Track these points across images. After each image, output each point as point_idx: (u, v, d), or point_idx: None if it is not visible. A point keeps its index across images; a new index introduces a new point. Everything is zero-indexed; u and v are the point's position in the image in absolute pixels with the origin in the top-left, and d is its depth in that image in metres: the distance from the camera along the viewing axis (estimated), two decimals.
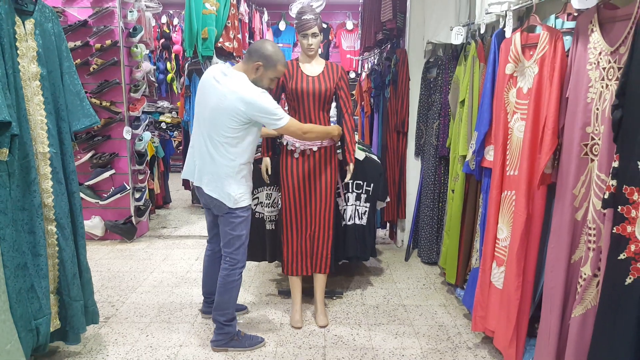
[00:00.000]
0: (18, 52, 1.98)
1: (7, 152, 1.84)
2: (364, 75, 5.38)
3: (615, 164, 1.59)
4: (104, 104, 4.08)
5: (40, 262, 2.03)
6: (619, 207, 1.54)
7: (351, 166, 2.74)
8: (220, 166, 2.34)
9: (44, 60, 2.09)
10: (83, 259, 2.29)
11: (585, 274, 1.80)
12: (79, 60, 4.01)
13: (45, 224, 2.09)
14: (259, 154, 3.10)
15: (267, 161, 2.80)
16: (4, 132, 1.81)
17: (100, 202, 4.17)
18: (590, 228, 1.80)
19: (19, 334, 1.92)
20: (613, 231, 1.56)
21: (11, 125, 1.81)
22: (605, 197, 1.62)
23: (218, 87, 2.31)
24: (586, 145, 1.87)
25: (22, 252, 1.97)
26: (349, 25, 7.77)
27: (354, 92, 5.59)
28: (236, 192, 2.36)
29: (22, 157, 1.96)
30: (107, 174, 4.15)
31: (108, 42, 4.05)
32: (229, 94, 2.26)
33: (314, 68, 2.68)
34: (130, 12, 4.17)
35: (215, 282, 2.60)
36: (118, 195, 4.19)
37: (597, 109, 1.81)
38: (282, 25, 7.69)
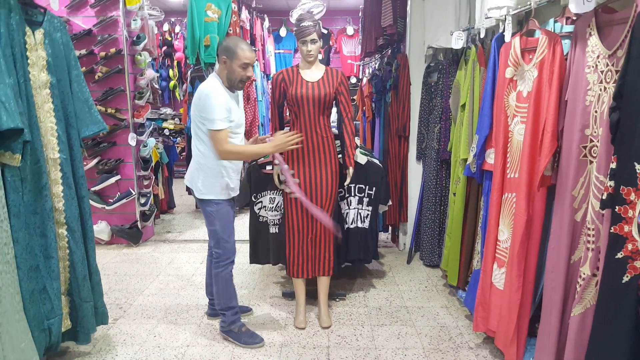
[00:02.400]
0: (29, 61, 2.04)
1: (20, 157, 1.89)
2: (365, 80, 5.43)
3: (613, 165, 1.63)
4: (109, 111, 4.14)
5: (51, 264, 2.08)
6: (617, 207, 1.58)
7: (351, 170, 2.79)
8: (195, 161, 2.58)
9: (53, 68, 2.15)
10: (92, 261, 2.34)
11: (584, 274, 1.83)
12: (84, 68, 4.06)
13: (56, 227, 2.14)
14: (263, 159, 3.15)
15: (277, 169, 2.86)
16: (16, 138, 1.86)
17: (107, 207, 4.22)
18: (589, 229, 1.84)
19: (33, 334, 1.97)
20: (611, 231, 1.60)
21: (23, 132, 1.86)
22: (604, 197, 1.66)
23: None
24: (585, 147, 1.91)
25: (35, 254, 2.02)
26: (350, 30, 7.83)
27: (355, 97, 5.65)
28: (202, 183, 2.53)
29: (34, 162, 2.01)
30: (113, 180, 4.20)
31: (112, 50, 4.11)
32: (196, 94, 2.49)
33: (313, 74, 2.74)
34: (134, 20, 4.22)
35: None
36: (124, 201, 4.24)
37: (596, 111, 1.85)
38: (282, 32, 7.76)
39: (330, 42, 7.85)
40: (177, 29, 7.61)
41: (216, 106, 2.36)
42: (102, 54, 4.12)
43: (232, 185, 2.60)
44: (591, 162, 1.89)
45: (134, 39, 4.27)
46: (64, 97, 2.20)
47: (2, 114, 1.77)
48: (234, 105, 2.50)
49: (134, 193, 4.28)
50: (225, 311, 2.63)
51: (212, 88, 2.41)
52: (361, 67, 6.77)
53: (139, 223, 4.35)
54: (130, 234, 4.28)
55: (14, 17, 1.94)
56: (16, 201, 1.92)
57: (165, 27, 7.55)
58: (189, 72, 5.28)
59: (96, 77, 4.12)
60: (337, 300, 3.16)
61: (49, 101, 2.11)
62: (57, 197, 2.15)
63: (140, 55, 4.30)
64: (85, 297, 2.26)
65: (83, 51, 4.10)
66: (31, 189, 2.00)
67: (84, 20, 4.16)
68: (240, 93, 2.63)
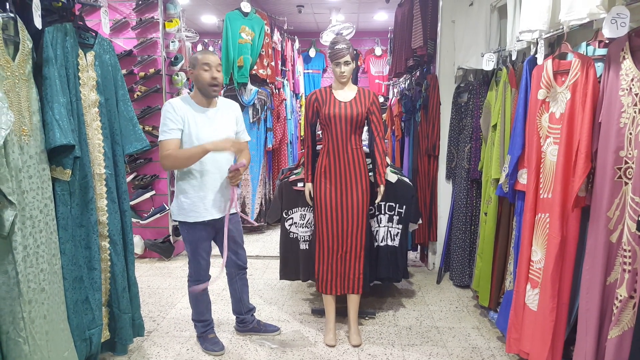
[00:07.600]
0: (80, 81, 2.17)
1: (70, 173, 2.00)
2: (394, 99, 5.48)
3: None
4: (146, 128, 4.30)
5: (94, 276, 2.18)
6: None
7: (382, 188, 2.82)
8: None
9: (102, 88, 2.28)
10: (132, 273, 2.43)
11: (621, 296, 1.81)
12: None
13: (99, 240, 2.24)
14: (294, 176, 3.22)
15: (309, 186, 2.90)
16: (68, 154, 1.97)
17: (141, 222, 4.35)
18: (625, 250, 1.82)
19: (75, 343, 2.05)
20: None
21: (74, 149, 1.98)
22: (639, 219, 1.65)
23: None
24: (620, 168, 1.90)
25: (79, 265, 2.12)
26: (378, 51, 7.95)
27: (384, 116, 5.70)
28: (173, 204, 2.61)
29: (82, 177, 2.12)
30: (148, 195, 4.34)
31: (151, 70, 4.29)
32: None
33: (346, 94, 2.80)
34: (172, 42, 4.41)
35: (238, 301, 2.88)
36: (157, 215, 4.37)
37: (630, 133, 1.85)
38: (312, 52, 7.92)
39: (359, 62, 7.97)
40: (210, 49, 7.85)
41: (162, 114, 2.42)
42: (142, 73, 4.30)
43: (198, 205, 2.49)
44: (626, 183, 1.88)
45: (172, 59, 4.44)
46: (111, 115, 2.32)
47: (56, 131, 1.89)
48: (200, 120, 2.47)
49: (167, 208, 4.40)
50: (196, 322, 2.77)
51: (169, 101, 2.46)
52: (390, 87, 6.84)
53: (171, 237, 4.46)
54: (162, 248, 4.39)
55: (69, 41, 2.08)
56: (65, 214, 2.03)
57: (199, 47, 7.79)
58: (222, 92, 5.43)
59: (135, 95, 4.30)
60: (367, 318, 3.17)
61: (97, 119, 2.23)
62: (102, 210, 2.26)
63: (178, 76, 4.47)
64: (124, 308, 2.34)
65: (123, 71, 4.27)
66: (79, 202, 2.11)
67: (125, 42, 4.36)
68: (219, 111, 2.56)
